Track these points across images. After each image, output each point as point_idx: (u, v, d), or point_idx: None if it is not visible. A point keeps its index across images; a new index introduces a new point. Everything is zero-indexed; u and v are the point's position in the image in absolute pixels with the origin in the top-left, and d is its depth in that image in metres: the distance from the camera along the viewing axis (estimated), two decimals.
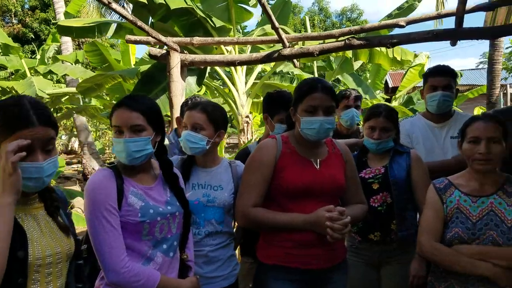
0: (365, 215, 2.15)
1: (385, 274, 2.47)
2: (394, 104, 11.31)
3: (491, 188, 1.98)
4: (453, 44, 3.20)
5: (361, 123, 3.02)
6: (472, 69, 25.75)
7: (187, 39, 3.54)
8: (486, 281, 1.84)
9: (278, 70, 7.84)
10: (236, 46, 5.32)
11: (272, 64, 6.53)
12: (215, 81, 7.07)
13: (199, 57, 3.49)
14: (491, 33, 2.86)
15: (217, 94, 7.33)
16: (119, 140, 1.66)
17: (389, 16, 6.29)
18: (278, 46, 3.49)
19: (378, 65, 11.31)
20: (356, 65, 8.24)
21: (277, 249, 1.94)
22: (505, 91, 20.21)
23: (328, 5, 37.03)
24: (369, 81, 12.11)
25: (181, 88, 3.50)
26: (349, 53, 6.57)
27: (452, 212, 1.99)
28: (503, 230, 1.88)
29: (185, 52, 3.60)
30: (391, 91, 20.30)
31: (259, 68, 6.57)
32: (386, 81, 21.31)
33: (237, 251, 2.58)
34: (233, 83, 6.22)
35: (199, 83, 4.81)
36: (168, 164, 1.84)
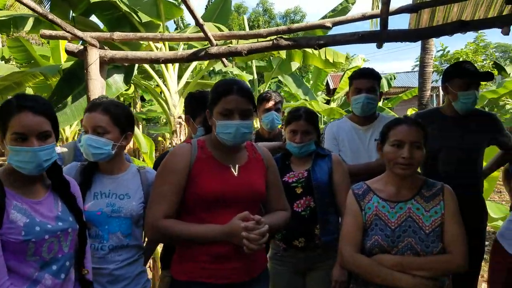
0: (288, 222, 2.05)
1: (310, 281, 2.41)
2: (333, 105, 11.52)
3: (409, 193, 1.95)
4: (379, 46, 3.21)
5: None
6: (407, 72, 26.98)
7: (107, 34, 3.30)
8: None
9: (217, 69, 7.70)
10: (167, 44, 5.10)
11: (206, 62, 6.37)
12: (147, 80, 6.79)
13: (120, 53, 3.26)
14: (415, 35, 2.88)
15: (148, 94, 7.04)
16: (26, 148, 1.46)
17: (324, 18, 6.35)
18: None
19: (319, 68, 11.50)
20: (294, 66, 8.27)
21: (192, 264, 1.79)
22: (437, 93, 21.37)
23: (272, 7, 37.32)
24: (311, 82, 12.28)
25: (101, 86, 3.26)
26: (283, 54, 6.54)
27: (371, 219, 1.94)
28: (421, 237, 1.85)
29: (106, 48, 3.36)
30: (332, 93, 20.79)
31: (192, 66, 6.36)
32: (327, 83, 21.81)
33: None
34: (165, 82, 5.97)
35: (127, 81, 4.57)
36: (55, 170, 1.62)
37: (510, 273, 2.65)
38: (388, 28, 2.95)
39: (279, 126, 3.29)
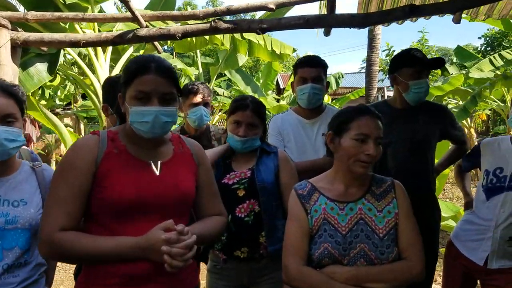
0: (224, 229, 1.71)
1: None
2: (282, 103, 11.36)
3: (358, 191, 1.69)
4: (327, 33, 2.97)
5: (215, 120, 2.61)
6: (354, 73, 27.56)
7: (20, 14, 2.85)
8: None
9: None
10: (96, 27, 4.61)
11: (141, 52, 5.90)
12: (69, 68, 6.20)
13: (34, 35, 2.81)
14: (364, 20, 2.66)
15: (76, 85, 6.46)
16: None
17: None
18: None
19: (269, 66, 11.33)
20: (241, 60, 7.97)
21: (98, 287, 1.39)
22: (383, 94, 21.92)
23: (221, 5, 36.92)
24: (261, 81, 12.11)
25: (12, 73, 2.79)
26: (227, 42, 6.18)
27: (318, 223, 1.65)
28: (375, 242, 1.59)
29: (20, 29, 2.89)
30: (282, 92, 20.76)
31: (127, 54, 5.84)
32: (277, 82, 21.80)
33: None
34: (94, 72, 5.42)
35: (51, 71, 4.06)
36: None
37: (466, 277, 2.49)
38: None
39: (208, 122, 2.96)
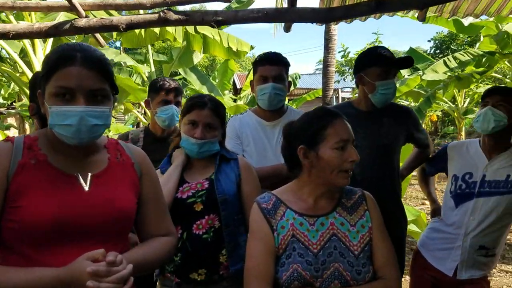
0: (173, 252, 1.44)
1: None
2: (240, 103, 11.14)
3: (328, 204, 1.48)
4: (287, 29, 2.76)
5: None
6: (310, 74, 27.81)
7: None
8: None
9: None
10: (34, 18, 4.17)
11: None
12: (5, 64, 5.63)
13: None
14: (327, 15, 2.48)
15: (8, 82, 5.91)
16: None
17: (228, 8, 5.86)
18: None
19: (226, 65, 11.08)
20: (196, 58, 7.64)
21: None
22: (337, 95, 22.22)
23: None
24: (217, 80, 11.85)
25: None
26: (180, 37, 5.84)
27: (286, 241, 1.42)
28: (350, 261, 1.38)
29: None
30: (239, 92, 20.57)
31: None
32: (234, 82, 21.58)
33: None
34: (31, 67, 4.92)
35: None
36: None
37: (434, 286, 2.36)
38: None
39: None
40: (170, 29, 5.28)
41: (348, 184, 1.47)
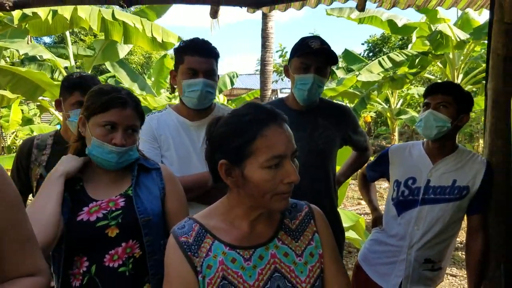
0: None
1: None
2: (174, 102, 10.65)
3: (267, 230, 1.14)
4: (214, 14, 2.41)
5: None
6: (249, 74, 27.71)
7: None
8: None
9: (22, 52, 6.04)
10: None
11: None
12: None
13: None
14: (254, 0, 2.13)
15: None
16: None
17: None
18: None
19: (162, 63, 10.65)
20: (122, 52, 7.04)
21: None
22: (276, 96, 22.31)
23: None
24: (153, 79, 11.30)
25: None
26: (94, 25, 5.23)
27: (215, 285, 1.08)
28: None
29: None
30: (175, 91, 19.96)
31: None
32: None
33: None
34: None
35: None
36: None
37: None
38: None
39: None
40: (83, 15, 4.68)
41: (287, 205, 1.13)
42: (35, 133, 9.77)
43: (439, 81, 10.69)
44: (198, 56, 1.95)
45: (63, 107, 2.10)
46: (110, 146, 1.43)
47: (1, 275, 1.02)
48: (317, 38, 2.09)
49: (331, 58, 2.08)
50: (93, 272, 1.38)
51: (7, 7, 2.02)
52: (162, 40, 5.67)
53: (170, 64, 10.82)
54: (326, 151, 2.20)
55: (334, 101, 11.18)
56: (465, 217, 2.10)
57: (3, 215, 1.02)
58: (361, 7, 2.45)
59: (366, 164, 2.54)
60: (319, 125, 2.18)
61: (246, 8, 2.25)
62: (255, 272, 1.11)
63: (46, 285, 1.09)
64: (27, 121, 14.23)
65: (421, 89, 11.17)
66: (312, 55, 2.02)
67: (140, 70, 22.91)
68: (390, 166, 2.23)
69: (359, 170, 2.62)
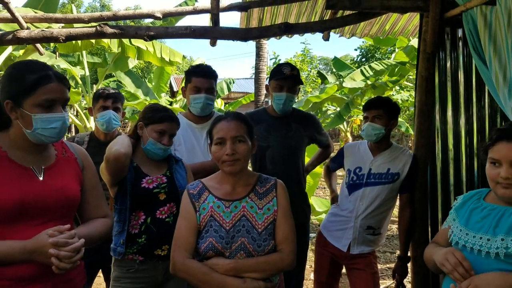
0: (110, 231, 1.80)
1: None
2: (175, 106, 11.36)
3: (243, 191, 1.88)
4: (213, 44, 3.15)
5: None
6: (246, 78, 28.42)
7: None
8: None
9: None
10: None
11: (22, 52, 5.53)
12: None
13: None
14: (245, 34, 2.89)
15: None
16: None
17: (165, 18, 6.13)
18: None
19: (162, 68, 11.22)
20: (131, 63, 7.81)
21: None
22: (267, 99, 22.98)
23: (110, 3, 35.39)
24: (154, 83, 11.94)
25: None
26: (114, 47, 6.06)
27: (205, 220, 1.81)
28: (253, 236, 1.79)
29: None
30: (176, 95, 20.59)
31: (6, 53, 5.41)
32: (171, 85, 21.54)
33: None
34: None
35: None
36: None
37: (332, 261, 2.85)
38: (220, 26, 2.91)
39: (119, 128, 3.00)
40: (106, 39, 5.48)
41: (232, 171, 1.80)
42: None
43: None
44: (201, 77, 2.75)
45: (93, 112, 2.89)
46: (161, 145, 2.23)
47: (88, 216, 1.76)
48: (288, 65, 2.87)
49: (298, 80, 2.85)
50: (148, 222, 2.18)
51: (61, 40, 2.75)
52: (169, 59, 6.53)
53: (169, 69, 11.55)
54: (297, 147, 2.95)
55: (324, 106, 11.76)
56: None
57: (91, 180, 1.77)
58: (326, 37, 3.19)
59: (329, 158, 3.29)
60: (292, 127, 2.93)
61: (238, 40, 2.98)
62: (230, 215, 1.83)
63: (111, 225, 1.84)
64: None
65: (405, 95, 11.90)
66: (284, 79, 2.79)
67: (141, 74, 23.64)
68: (345, 158, 2.96)
69: (325, 162, 3.39)
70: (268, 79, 2.97)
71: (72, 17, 2.76)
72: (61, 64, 6.78)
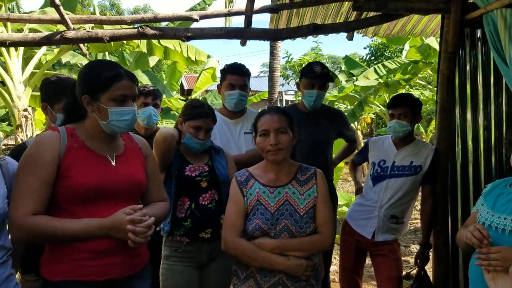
0: (167, 213, 2.02)
1: (211, 272, 2.43)
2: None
3: (286, 178, 2.08)
4: (243, 44, 3.34)
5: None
6: (254, 77, 28.57)
7: None
8: (283, 272, 1.92)
9: (64, 60, 7.02)
10: (10, 27, 4.46)
11: (56, 51, 5.76)
12: None
13: None
14: (275, 34, 3.08)
15: None
16: None
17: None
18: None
19: (174, 67, 11.41)
20: (152, 61, 8.03)
21: (68, 262, 1.63)
22: (281, 98, 23.13)
23: (120, 2, 35.70)
24: (165, 81, 12.12)
25: None
26: (143, 47, 6.31)
27: (252, 204, 2.01)
28: (296, 219, 1.98)
29: None
30: (186, 93, 20.83)
31: (38, 55, 5.68)
32: (181, 83, 21.75)
33: None
34: (7, 71, 5.23)
35: None
36: None
37: (357, 248, 3.03)
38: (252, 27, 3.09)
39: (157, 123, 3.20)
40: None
41: (275, 160, 2.00)
42: None
43: (431, 86, 11.58)
44: (236, 75, 2.94)
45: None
46: (197, 140, 2.41)
47: (149, 199, 1.96)
48: (319, 64, 3.06)
49: (328, 78, 3.03)
50: (193, 207, 2.38)
51: (105, 40, 2.95)
52: (195, 59, 6.76)
53: (181, 67, 11.73)
54: (325, 141, 3.14)
55: (336, 104, 11.95)
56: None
57: (152, 167, 1.97)
58: (350, 37, 3.37)
59: (354, 152, 3.48)
60: (321, 123, 3.12)
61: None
62: (275, 200, 2.02)
63: (168, 207, 2.04)
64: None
65: (416, 93, 12.03)
66: (315, 77, 2.97)
67: (151, 72, 23.82)
68: (369, 152, 3.14)
69: (350, 157, 3.57)
70: (299, 78, 3.15)
71: (115, 19, 2.96)
72: (84, 62, 7.01)
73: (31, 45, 3.01)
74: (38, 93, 7.01)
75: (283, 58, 14.38)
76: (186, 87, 22.15)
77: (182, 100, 14.14)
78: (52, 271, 1.67)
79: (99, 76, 1.71)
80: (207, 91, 13.71)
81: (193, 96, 11.54)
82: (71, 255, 1.64)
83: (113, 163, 1.76)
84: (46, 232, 1.58)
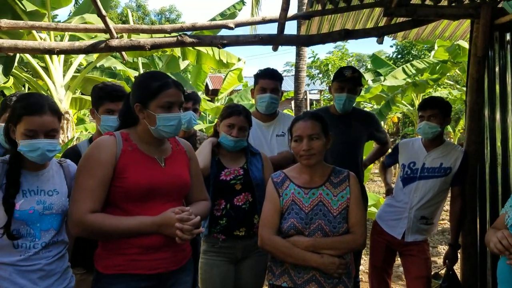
0: (209, 211, 2.18)
1: (246, 267, 2.56)
2: (217, 104, 11.74)
3: (320, 180, 2.20)
4: (275, 49, 3.47)
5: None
6: None
7: None
8: (316, 269, 2.05)
9: (98, 64, 7.31)
10: (52, 35, 4.72)
11: (95, 56, 6.04)
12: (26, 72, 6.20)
13: (8, 42, 2.97)
14: (307, 40, 3.20)
15: (27, 87, 6.41)
16: None
17: (213, 20, 6.51)
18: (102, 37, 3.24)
19: (199, 67, 11.60)
20: (183, 64, 8.28)
21: (120, 257, 1.80)
22: (305, 97, 23.13)
23: (146, 3, 36.31)
24: (190, 82, 12.34)
25: None
26: (177, 52, 6.54)
27: (287, 204, 2.14)
28: (329, 219, 2.10)
29: None
30: (211, 93, 21.12)
31: (78, 60, 5.98)
32: (206, 83, 22.03)
33: None
34: (49, 75, 5.53)
35: (6, 73, 4.13)
36: None
37: (387, 248, 3.12)
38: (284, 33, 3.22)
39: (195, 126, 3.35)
40: None
41: (308, 164, 2.12)
42: (89, 132, 10.97)
43: (459, 86, 11.44)
44: (267, 79, 3.07)
45: None
46: (230, 137, 2.54)
47: (193, 199, 2.11)
48: (350, 68, 3.16)
49: (358, 82, 3.13)
50: (228, 207, 2.52)
51: (147, 48, 3.13)
52: (226, 61, 6.96)
53: (206, 68, 11.92)
54: (356, 143, 3.24)
55: (362, 104, 11.92)
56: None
57: (195, 169, 2.12)
58: (380, 41, 3.45)
59: (385, 154, 3.56)
60: (352, 125, 3.22)
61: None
62: (309, 200, 2.14)
63: (209, 206, 2.19)
64: (79, 121, 15.66)
65: (444, 93, 11.90)
66: (345, 81, 3.07)
67: (178, 73, 24.19)
68: (399, 154, 3.22)
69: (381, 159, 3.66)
70: (331, 82, 3.26)
71: (156, 28, 3.14)
72: (118, 66, 7.28)
73: (77, 53, 3.22)
74: (78, 96, 7.40)
75: (309, 58, 14.42)
76: (211, 87, 22.42)
77: (208, 100, 14.40)
78: (105, 264, 1.83)
79: (149, 86, 1.88)
80: (232, 91, 13.88)
81: (219, 96, 11.74)
82: (124, 250, 1.80)
83: (162, 165, 1.92)
84: (103, 229, 1.74)
